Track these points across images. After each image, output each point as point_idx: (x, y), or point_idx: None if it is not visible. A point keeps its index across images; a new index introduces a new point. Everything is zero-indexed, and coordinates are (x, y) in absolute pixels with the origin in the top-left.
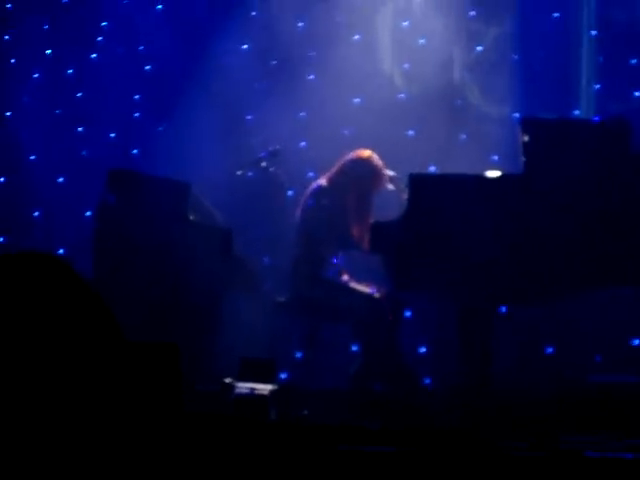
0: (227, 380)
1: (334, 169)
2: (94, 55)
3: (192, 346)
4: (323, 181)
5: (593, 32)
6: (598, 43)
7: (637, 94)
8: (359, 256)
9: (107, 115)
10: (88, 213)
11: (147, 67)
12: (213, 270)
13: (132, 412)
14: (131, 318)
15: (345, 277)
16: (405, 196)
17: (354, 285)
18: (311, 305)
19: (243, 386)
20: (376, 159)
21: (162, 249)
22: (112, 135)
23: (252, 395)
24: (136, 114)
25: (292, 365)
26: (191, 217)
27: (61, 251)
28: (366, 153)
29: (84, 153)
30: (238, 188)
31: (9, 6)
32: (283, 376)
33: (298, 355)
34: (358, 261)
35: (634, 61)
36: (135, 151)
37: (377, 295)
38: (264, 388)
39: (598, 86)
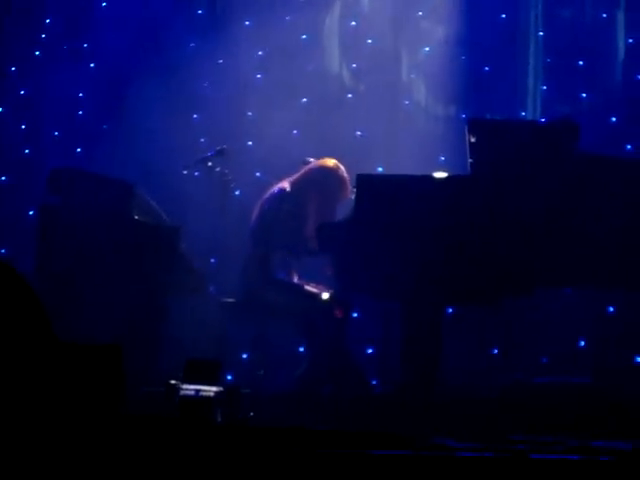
0: (172, 382)
1: (298, 175)
2: (37, 52)
3: (137, 347)
4: (286, 185)
5: (540, 33)
6: (545, 44)
7: (584, 96)
8: (310, 257)
9: (51, 113)
10: (31, 212)
11: (91, 65)
12: (158, 270)
13: (67, 412)
14: (74, 319)
15: (295, 278)
16: (353, 196)
17: (304, 286)
18: (261, 305)
19: (188, 388)
20: (342, 170)
21: (106, 248)
22: (56, 133)
23: (197, 397)
24: (80, 112)
25: (238, 366)
26: (136, 216)
27: (2, 251)
28: (332, 163)
29: (27, 152)
30: (184, 187)
31: None
32: (229, 377)
33: (244, 356)
34: (308, 262)
35: (581, 62)
36: (79, 150)
37: (325, 296)
38: (209, 390)
39: (545, 87)
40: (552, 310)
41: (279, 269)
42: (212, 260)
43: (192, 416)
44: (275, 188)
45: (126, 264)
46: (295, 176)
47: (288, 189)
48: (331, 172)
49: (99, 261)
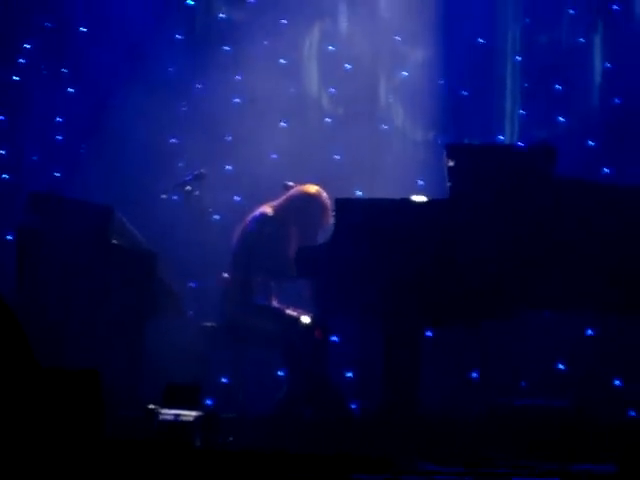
0: (151, 406)
1: (281, 200)
2: (16, 77)
3: (116, 371)
4: (268, 209)
5: (518, 58)
6: (523, 69)
7: (561, 120)
8: (290, 281)
9: (29, 138)
10: (9, 237)
11: (70, 89)
12: (137, 294)
13: (46, 437)
14: (53, 343)
15: (274, 302)
16: (332, 220)
17: (283, 310)
18: (241, 329)
19: (168, 412)
20: (324, 197)
21: (85, 273)
22: (34, 158)
23: (177, 421)
24: (59, 137)
25: (218, 391)
26: (114, 241)
27: None
28: (314, 189)
29: (5, 176)
30: (163, 211)
31: None
32: (209, 402)
33: (224, 381)
34: (288, 286)
35: (558, 87)
36: (58, 174)
37: (305, 319)
38: (189, 414)
39: (522, 112)
40: (531, 333)
41: (259, 293)
42: (191, 284)
43: (171, 441)
44: (257, 212)
45: (104, 288)
46: (277, 201)
47: (270, 213)
48: (314, 198)
49: (77, 285)
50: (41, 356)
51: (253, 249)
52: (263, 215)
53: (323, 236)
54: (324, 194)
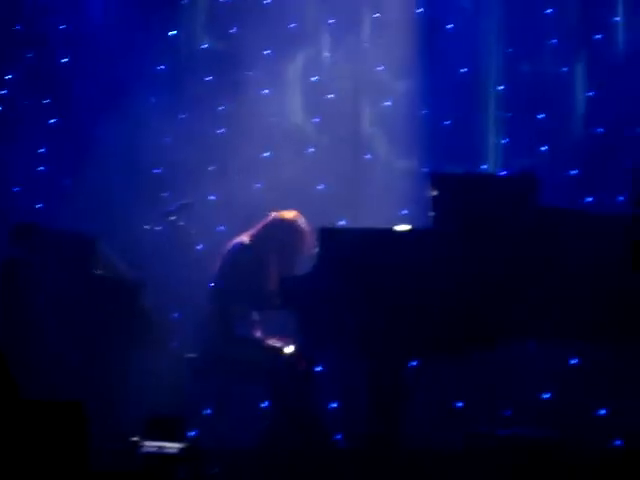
0: (134, 438)
1: (258, 227)
2: None
3: (98, 402)
4: (245, 238)
5: (500, 87)
6: (505, 98)
7: (544, 149)
8: (273, 311)
9: (11, 169)
10: None
11: (53, 120)
12: (120, 325)
13: (30, 470)
14: (37, 375)
15: (258, 333)
16: (315, 250)
17: (266, 341)
18: (223, 360)
19: (151, 444)
20: (301, 222)
21: (68, 303)
22: (16, 189)
23: (160, 454)
24: (41, 168)
25: (201, 423)
26: (98, 271)
27: None
28: (291, 215)
29: None
30: (147, 242)
31: None
32: (192, 434)
33: (207, 412)
34: (271, 316)
35: (541, 116)
36: (40, 205)
37: (288, 350)
38: (172, 446)
39: (505, 141)
40: (515, 362)
41: (241, 323)
42: (175, 315)
43: (155, 473)
44: (234, 241)
45: (88, 319)
46: (254, 229)
47: (247, 242)
48: (290, 224)
49: (61, 315)
50: (24, 388)
51: (231, 278)
52: (240, 244)
53: (303, 263)
54: (301, 219)
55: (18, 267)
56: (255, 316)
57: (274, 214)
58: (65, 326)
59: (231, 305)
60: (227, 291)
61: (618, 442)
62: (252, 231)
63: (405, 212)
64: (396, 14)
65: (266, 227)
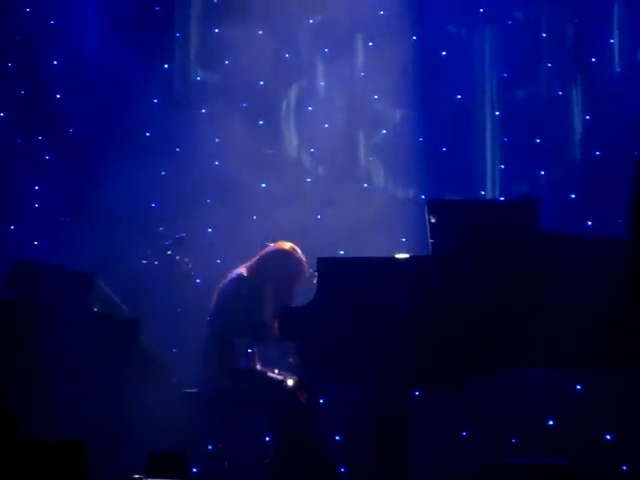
0: (136, 476)
1: (255, 259)
2: None
3: (98, 440)
4: (243, 270)
5: (496, 113)
6: (502, 123)
7: (542, 173)
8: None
9: (6, 207)
10: None
11: (47, 157)
12: (119, 362)
13: None
14: (35, 415)
15: (258, 366)
16: (315, 280)
17: (267, 374)
18: (224, 397)
19: None
20: (298, 253)
21: (66, 341)
22: (12, 227)
23: None
24: (36, 205)
25: (204, 458)
26: (95, 308)
27: None
28: (287, 246)
29: None
30: (144, 277)
31: None
32: (194, 470)
33: (210, 448)
34: (271, 348)
35: (538, 140)
36: (36, 242)
37: (290, 382)
38: None
39: (503, 166)
40: (520, 389)
41: (241, 356)
42: (174, 350)
43: None
44: (232, 273)
45: (86, 356)
46: (252, 260)
47: (245, 274)
48: (287, 255)
49: (59, 354)
50: (23, 427)
51: (230, 312)
52: (238, 276)
53: (303, 297)
54: (297, 250)
55: (16, 305)
56: (254, 348)
57: (271, 245)
58: (63, 364)
59: (232, 337)
60: (227, 323)
61: (625, 467)
62: (250, 263)
63: (404, 240)
64: (391, 42)
65: (263, 258)
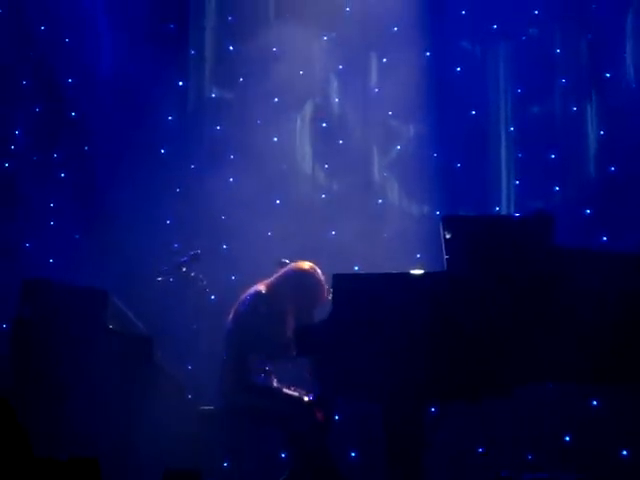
0: None
1: (274, 277)
2: (7, 164)
3: (113, 457)
4: (262, 287)
5: (511, 128)
6: (516, 139)
7: (557, 189)
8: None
9: (22, 225)
10: (4, 326)
11: (62, 174)
12: (134, 379)
13: None
14: (51, 432)
15: (274, 382)
16: (330, 297)
17: (284, 390)
18: (240, 413)
19: None
20: (318, 273)
21: (81, 359)
22: (27, 245)
23: None
24: (51, 222)
25: (219, 475)
26: (110, 326)
27: None
28: (307, 266)
29: None
30: (159, 294)
31: None
32: None
33: (225, 465)
34: (288, 365)
35: (553, 156)
36: (51, 260)
37: (307, 399)
38: None
39: (517, 182)
40: (536, 405)
41: (257, 373)
42: (189, 367)
43: None
44: (251, 290)
45: (101, 374)
46: (271, 278)
47: (264, 292)
48: (307, 275)
49: (74, 372)
50: (38, 445)
51: (247, 328)
52: (257, 293)
53: (320, 313)
54: (318, 270)
55: (31, 324)
56: (271, 365)
57: (291, 264)
58: (78, 381)
59: (248, 354)
60: (244, 340)
61: None
62: (269, 281)
63: (418, 256)
64: (404, 59)
65: (283, 277)
